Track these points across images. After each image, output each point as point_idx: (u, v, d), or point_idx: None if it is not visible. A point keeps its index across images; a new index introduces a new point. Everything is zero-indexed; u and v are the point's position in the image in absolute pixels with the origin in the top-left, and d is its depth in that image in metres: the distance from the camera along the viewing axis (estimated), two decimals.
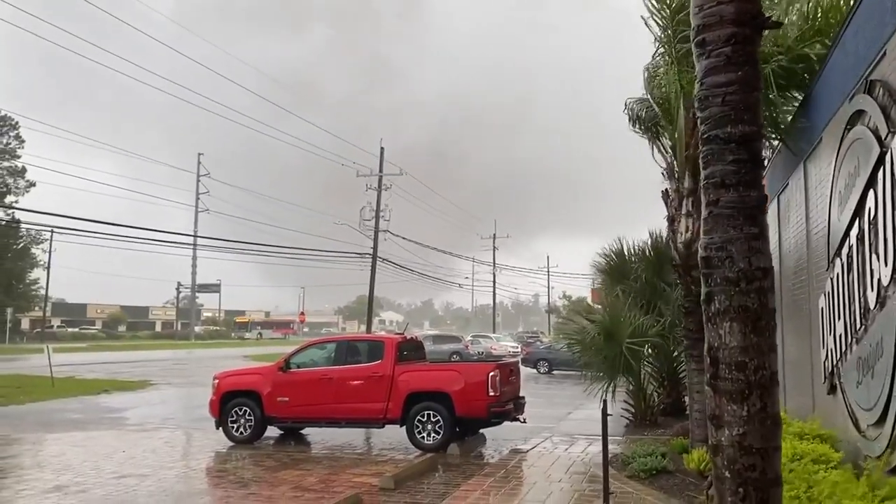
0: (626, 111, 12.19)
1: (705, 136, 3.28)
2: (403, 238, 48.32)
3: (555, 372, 31.82)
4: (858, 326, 6.65)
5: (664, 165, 11.08)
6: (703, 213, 3.29)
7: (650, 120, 11.40)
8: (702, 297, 3.28)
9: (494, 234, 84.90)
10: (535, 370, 32.35)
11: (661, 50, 10.19)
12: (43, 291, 77.04)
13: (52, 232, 62.05)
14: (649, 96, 11.18)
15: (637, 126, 12.03)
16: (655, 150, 11.67)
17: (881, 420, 5.89)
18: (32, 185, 70.43)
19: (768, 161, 11.98)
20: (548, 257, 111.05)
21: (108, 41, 38.84)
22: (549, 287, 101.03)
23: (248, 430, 13.06)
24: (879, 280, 5.94)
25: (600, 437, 7.73)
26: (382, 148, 44.38)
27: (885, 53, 5.91)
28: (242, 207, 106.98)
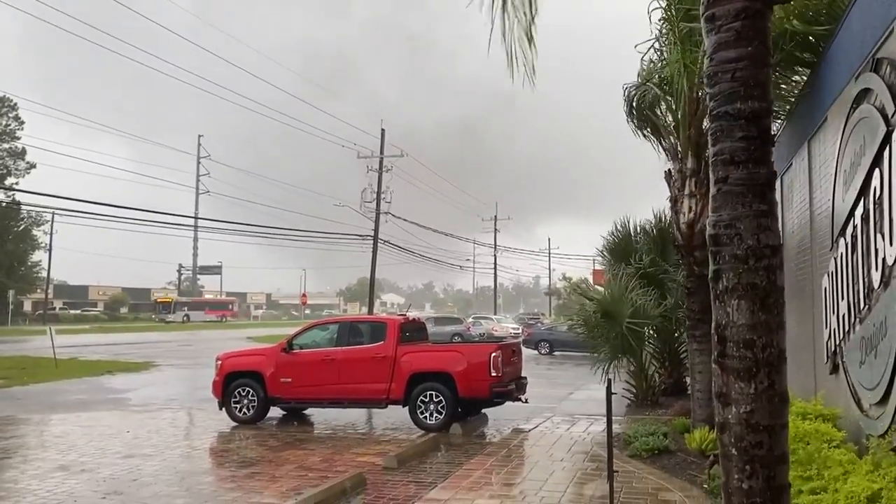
0: (623, 98, 11.92)
1: (714, 112, 3.25)
2: (404, 220, 48.29)
3: (556, 353, 31.94)
4: (862, 306, 6.64)
5: (666, 147, 11.03)
6: (712, 190, 3.26)
7: (649, 105, 11.20)
8: (710, 275, 3.26)
9: (496, 216, 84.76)
10: (536, 351, 32.47)
11: (664, 31, 10.04)
12: (44, 273, 77.13)
13: (53, 214, 62.08)
14: (651, 81, 11.03)
15: (633, 117, 11.72)
16: (654, 135, 11.56)
17: (884, 399, 5.90)
18: (33, 166, 70.34)
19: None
20: (549, 239, 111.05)
21: (117, 22, 38.57)
22: (550, 269, 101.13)
23: (252, 411, 13.13)
24: (884, 260, 5.92)
25: (602, 417, 7.77)
26: (383, 130, 44.21)
27: (892, 31, 5.85)
28: (250, 191, 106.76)
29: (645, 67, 11.09)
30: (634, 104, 11.44)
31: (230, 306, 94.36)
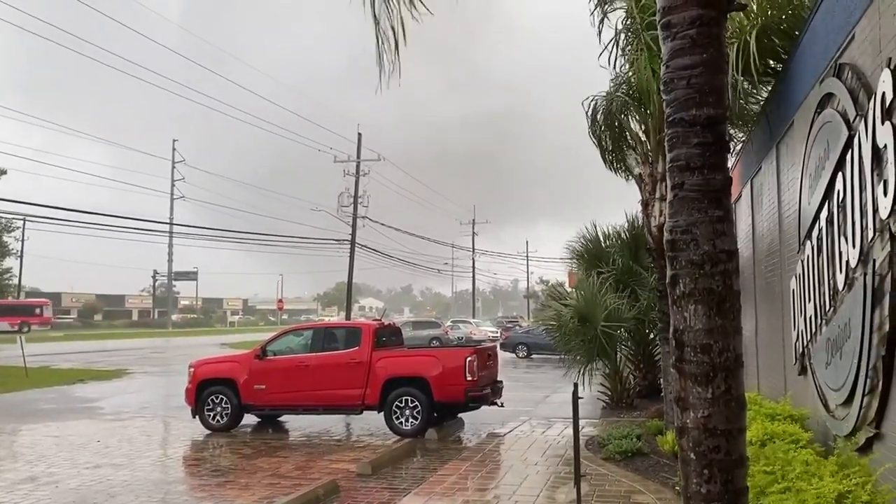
0: (586, 112, 11.35)
1: (670, 118, 3.27)
2: (381, 224, 48.21)
3: (533, 356, 32.02)
4: (828, 308, 6.72)
5: (635, 154, 11.07)
6: (669, 195, 3.29)
7: (619, 111, 11.06)
8: (667, 280, 3.28)
9: (474, 220, 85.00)
10: (513, 354, 32.54)
11: (629, 38, 10.01)
12: (16, 280, 75.90)
13: (24, 220, 61.07)
14: (619, 91, 10.93)
15: (596, 128, 11.27)
16: (617, 147, 11.47)
17: (849, 400, 5.97)
18: (3, 172, 69.15)
19: (741, 145, 12.05)
20: (527, 242, 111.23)
21: (83, 25, 38.09)
22: (528, 272, 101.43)
23: (225, 419, 13.01)
24: (847, 262, 6.00)
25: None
26: (360, 134, 44.16)
27: (853, 37, 5.94)
28: (230, 197, 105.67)
29: (614, 76, 10.97)
30: (599, 116, 11.22)
31: (38, 310, 69.30)
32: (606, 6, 9.91)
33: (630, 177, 11.99)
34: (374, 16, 4.74)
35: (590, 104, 11.13)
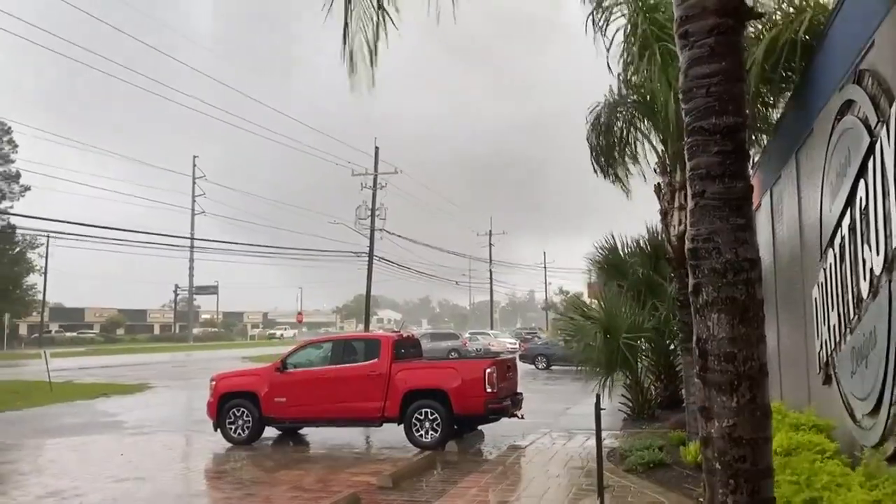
0: (588, 127, 11.25)
1: (690, 127, 3.27)
2: (399, 236, 48.33)
3: (553, 367, 31.85)
4: (852, 316, 6.65)
5: (655, 161, 11.01)
6: (690, 204, 3.29)
7: (627, 123, 10.99)
8: (689, 289, 3.27)
9: (490, 231, 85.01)
10: (533, 366, 32.39)
11: (638, 47, 9.90)
12: (40, 296, 76.84)
13: (48, 237, 61.88)
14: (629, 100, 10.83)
15: (597, 133, 11.17)
16: (622, 160, 11.36)
17: (875, 409, 5.89)
18: (28, 189, 70.20)
19: (759, 153, 11.97)
20: (544, 253, 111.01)
21: (109, 42, 38.72)
22: (546, 283, 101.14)
23: (246, 432, 13.05)
24: (872, 270, 5.94)
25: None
26: (377, 147, 44.40)
27: (873, 43, 5.91)
28: (248, 211, 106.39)
29: (621, 85, 10.84)
30: (602, 126, 11.08)
31: None
32: (606, 13, 9.77)
33: (623, 187, 11.86)
34: (344, 37, 4.89)
35: (594, 115, 11.09)
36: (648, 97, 9.91)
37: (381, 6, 4.96)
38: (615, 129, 11.03)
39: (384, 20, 4.96)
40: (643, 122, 10.83)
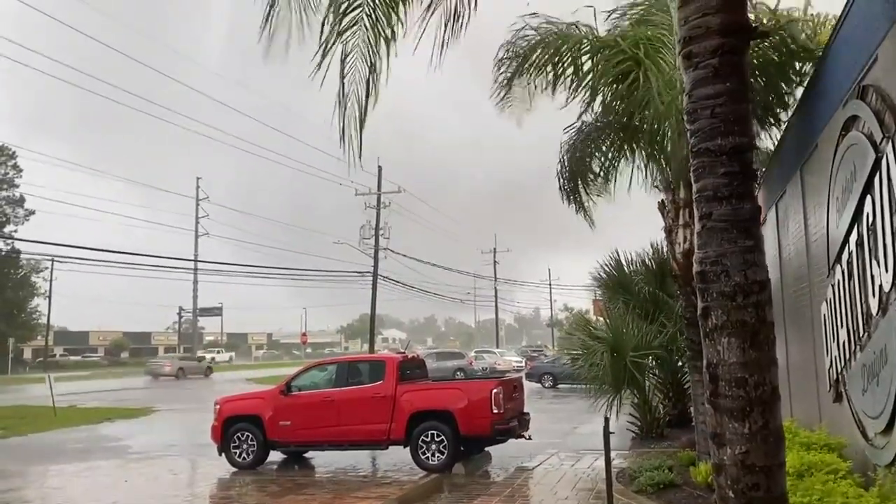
0: (562, 146, 11.06)
1: (695, 149, 3.23)
2: (403, 255, 48.26)
3: (560, 386, 31.63)
4: (861, 333, 6.57)
5: (659, 178, 10.93)
6: (697, 226, 3.24)
7: (616, 145, 10.85)
8: (698, 313, 3.21)
9: (495, 249, 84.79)
10: (539, 384, 32.19)
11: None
12: (44, 320, 76.83)
13: (52, 261, 62.01)
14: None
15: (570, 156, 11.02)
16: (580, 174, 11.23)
17: (888, 429, 5.80)
18: (32, 213, 70.48)
19: (763, 169, 11.93)
20: (549, 270, 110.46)
21: (115, 71, 39.05)
22: (551, 300, 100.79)
23: (251, 456, 12.93)
24: (881, 286, 5.87)
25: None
26: (380, 167, 44.44)
27: (876, 58, 5.88)
28: (252, 233, 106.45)
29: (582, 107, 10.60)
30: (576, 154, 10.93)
31: None
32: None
33: (579, 209, 11.75)
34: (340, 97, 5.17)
35: (576, 132, 10.96)
36: (637, 120, 9.65)
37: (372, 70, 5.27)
38: (587, 159, 10.95)
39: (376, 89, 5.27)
40: (627, 144, 10.62)
